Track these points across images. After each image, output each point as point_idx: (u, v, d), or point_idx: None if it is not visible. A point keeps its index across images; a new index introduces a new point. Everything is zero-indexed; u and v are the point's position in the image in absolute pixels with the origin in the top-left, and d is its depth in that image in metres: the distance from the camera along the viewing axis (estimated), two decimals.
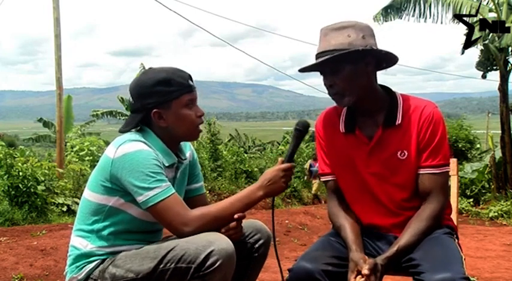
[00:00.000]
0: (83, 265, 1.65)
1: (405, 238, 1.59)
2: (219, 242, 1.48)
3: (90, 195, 1.68)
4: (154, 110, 1.66)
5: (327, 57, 1.57)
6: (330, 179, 1.79)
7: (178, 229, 1.57)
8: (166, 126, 1.68)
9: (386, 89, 1.71)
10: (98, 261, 1.64)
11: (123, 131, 1.71)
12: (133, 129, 1.71)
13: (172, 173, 1.72)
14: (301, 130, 1.73)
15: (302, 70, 1.68)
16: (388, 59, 1.67)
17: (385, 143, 1.67)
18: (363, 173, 1.70)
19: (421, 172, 1.65)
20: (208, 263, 1.46)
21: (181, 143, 1.80)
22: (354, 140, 1.71)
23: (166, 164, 1.67)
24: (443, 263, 1.46)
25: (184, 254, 1.49)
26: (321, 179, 1.85)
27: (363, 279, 1.50)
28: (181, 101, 1.65)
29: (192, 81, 1.71)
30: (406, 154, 1.65)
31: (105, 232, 1.65)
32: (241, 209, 1.63)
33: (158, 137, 1.69)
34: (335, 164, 1.76)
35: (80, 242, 1.68)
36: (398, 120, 1.66)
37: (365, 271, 1.49)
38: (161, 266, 1.52)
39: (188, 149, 1.85)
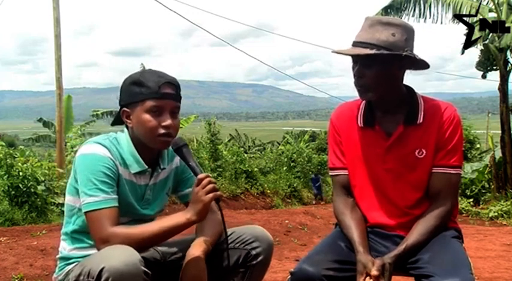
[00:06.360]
0: (63, 267, 1.65)
1: (413, 236, 1.58)
2: (112, 260, 1.39)
3: (66, 198, 1.68)
4: (124, 108, 1.66)
5: (368, 51, 1.56)
6: (340, 173, 1.76)
7: (98, 244, 1.52)
8: (132, 128, 1.65)
9: (408, 88, 1.71)
10: (76, 263, 1.61)
11: (112, 124, 1.81)
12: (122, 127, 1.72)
13: (146, 180, 1.68)
14: (177, 148, 1.65)
15: (336, 52, 1.66)
16: (420, 65, 1.68)
17: (405, 140, 1.66)
18: (377, 168, 1.69)
19: (434, 171, 1.65)
20: (102, 280, 1.40)
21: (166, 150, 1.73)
22: (372, 135, 1.70)
23: (133, 171, 1.64)
24: (451, 267, 1.46)
25: (91, 268, 1.44)
26: (330, 174, 1.83)
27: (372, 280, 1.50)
28: (145, 105, 1.60)
29: (172, 89, 1.62)
30: (425, 152, 1.65)
31: (78, 234, 1.64)
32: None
33: (133, 141, 1.65)
34: (349, 159, 1.74)
35: (62, 246, 1.69)
36: (420, 119, 1.66)
37: (374, 272, 1.49)
38: (81, 278, 1.48)
39: (174, 155, 1.75)
